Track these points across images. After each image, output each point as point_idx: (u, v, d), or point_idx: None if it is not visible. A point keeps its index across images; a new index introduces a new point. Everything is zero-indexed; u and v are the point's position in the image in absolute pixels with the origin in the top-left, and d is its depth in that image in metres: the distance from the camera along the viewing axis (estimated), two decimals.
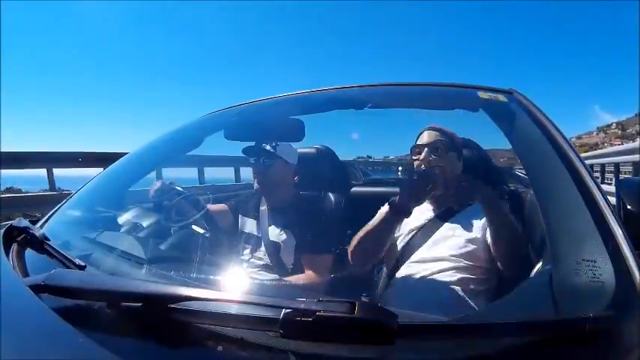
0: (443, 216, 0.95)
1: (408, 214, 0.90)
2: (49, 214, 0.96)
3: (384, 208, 0.92)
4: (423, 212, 0.99)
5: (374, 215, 1.02)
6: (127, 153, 1.18)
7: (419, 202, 0.91)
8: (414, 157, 1.00)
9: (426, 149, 0.99)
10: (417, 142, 1.02)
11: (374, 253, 0.94)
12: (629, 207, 0.63)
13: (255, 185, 1.19)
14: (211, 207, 1.21)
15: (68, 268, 0.61)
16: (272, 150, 1.16)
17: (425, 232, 0.94)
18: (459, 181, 1.00)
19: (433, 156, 0.98)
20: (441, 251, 0.89)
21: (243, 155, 1.21)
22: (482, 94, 0.95)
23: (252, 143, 1.21)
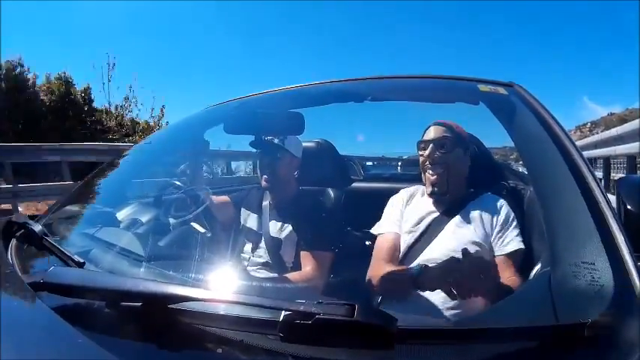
0: (445, 216, 0.94)
1: None
2: (48, 210, 0.95)
3: None
4: (426, 212, 0.98)
5: (373, 212, 1.01)
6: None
7: None
8: (420, 153, 0.99)
9: (431, 145, 0.97)
10: (424, 138, 1.00)
11: None
12: (629, 207, 0.62)
13: (263, 181, 1.15)
14: (214, 198, 1.19)
15: (67, 264, 0.61)
16: (280, 143, 1.13)
17: (426, 233, 0.93)
18: (466, 179, 0.99)
19: (438, 153, 0.96)
20: (441, 253, 0.87)
21: (243, 149, 1.19)
22: (482, 87, 0.93)
23: (252, 137, 1.19)
